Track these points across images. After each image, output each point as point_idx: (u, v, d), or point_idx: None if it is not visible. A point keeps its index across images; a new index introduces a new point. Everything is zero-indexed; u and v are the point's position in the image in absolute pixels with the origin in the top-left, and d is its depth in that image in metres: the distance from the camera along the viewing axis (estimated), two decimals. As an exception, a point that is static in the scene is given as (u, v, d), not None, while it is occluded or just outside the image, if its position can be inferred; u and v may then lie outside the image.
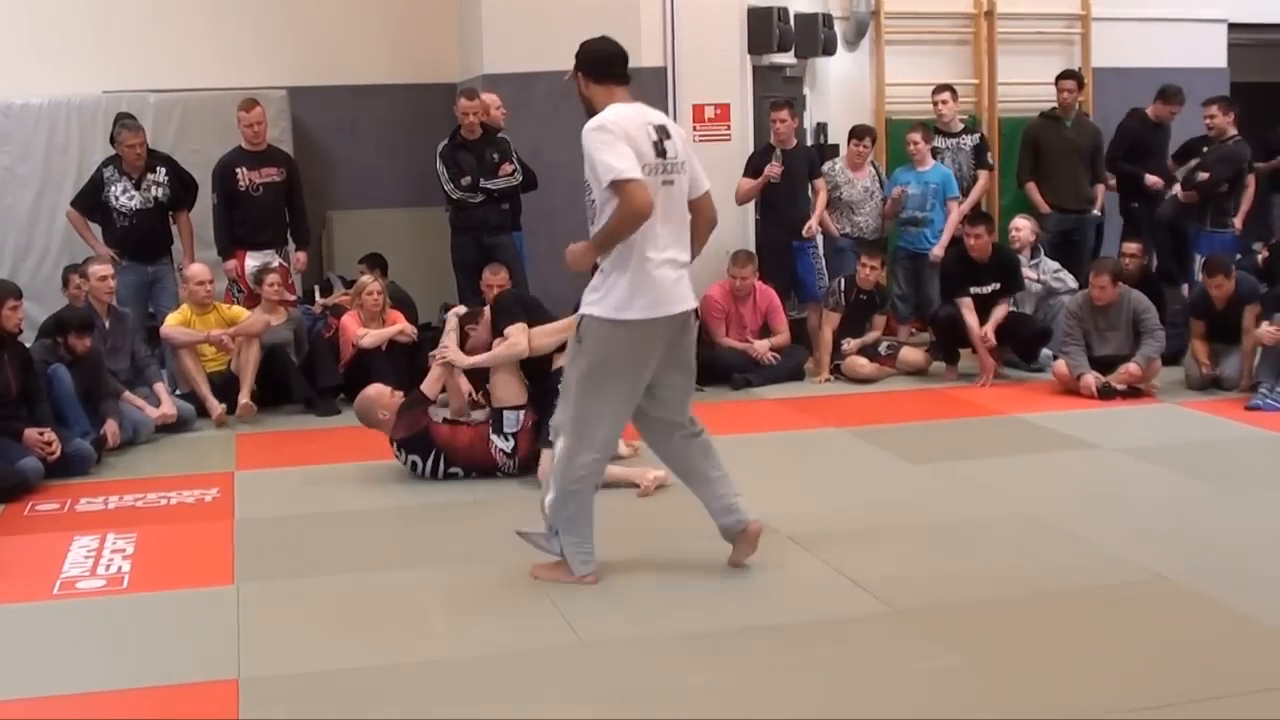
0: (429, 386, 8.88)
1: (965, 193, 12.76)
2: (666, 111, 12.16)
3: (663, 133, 6.44)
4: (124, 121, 11.73)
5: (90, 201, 11.60)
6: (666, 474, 7.87)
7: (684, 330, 6.58)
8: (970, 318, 11.42)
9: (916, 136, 12.52)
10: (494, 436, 8.67)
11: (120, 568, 7.12)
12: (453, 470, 8.67)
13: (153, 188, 11.53)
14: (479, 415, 9.23)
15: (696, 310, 6.70)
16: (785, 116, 12.12)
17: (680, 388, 6.76)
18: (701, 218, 6.69)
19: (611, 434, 6.68)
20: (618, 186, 6.20)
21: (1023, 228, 12.31)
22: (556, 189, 12.33)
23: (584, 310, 6.51)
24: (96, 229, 11.64)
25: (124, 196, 11.45)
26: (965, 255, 11.60)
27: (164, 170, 11.67)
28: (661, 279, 6.39)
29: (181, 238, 11.89)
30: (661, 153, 6.38)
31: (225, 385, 10.77)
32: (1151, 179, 13.06)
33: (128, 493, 8.64)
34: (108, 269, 10.55)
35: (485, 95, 11.91)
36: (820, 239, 12.34)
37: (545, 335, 8.62)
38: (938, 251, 12.19)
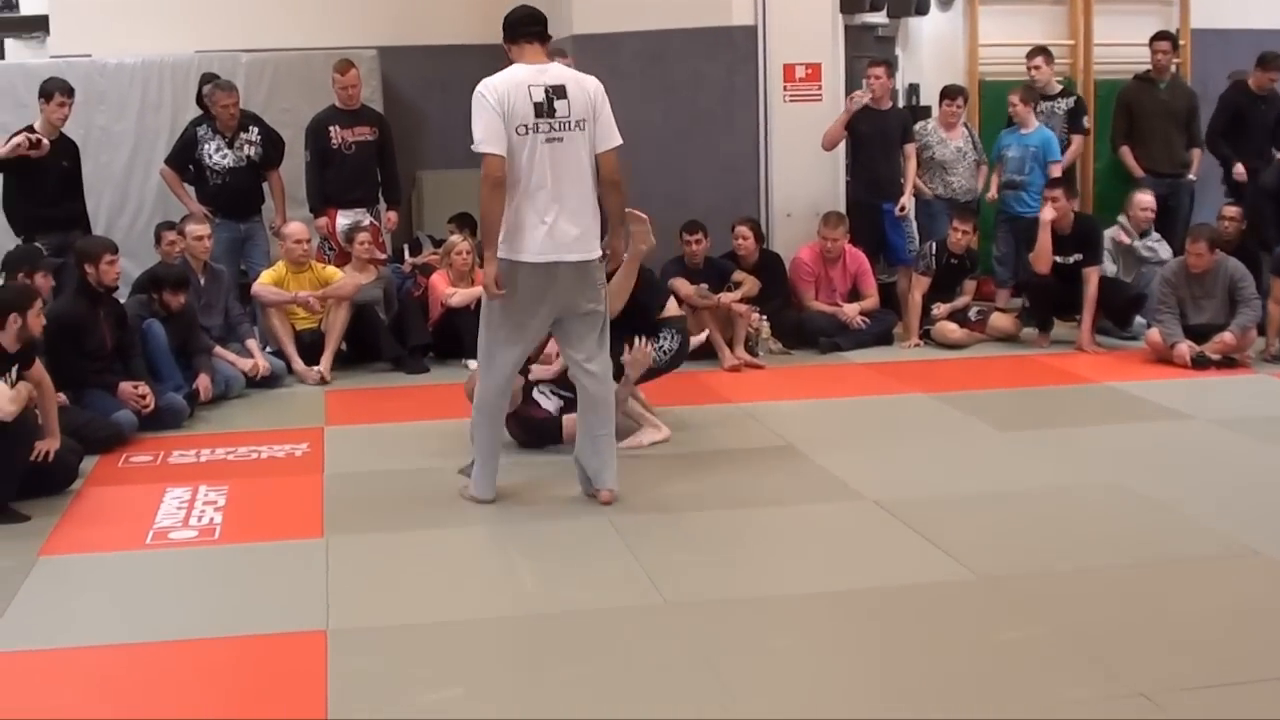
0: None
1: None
2: (756, 71, 12.18)
3: (556, 92, 6.91)
4: (216, 81, 11.80)
5: (183, 160, 11.67)
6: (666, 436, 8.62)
7: (563, 280, 7.03)
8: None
9: (1015, 98, 12.40)
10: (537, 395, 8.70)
11: (212, 519, 7.21)
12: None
13: (246, 146, 11.60)
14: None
15: (600, 267, 7.17)
16: (881, 74, 12.01)
17: (577, 333, 7.23)
18: (600, 174, 7.08)
19: (505, 363, 7.20)
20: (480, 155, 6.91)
21: (1149, 207, 12.00)
22: (644, 149, 12.30)
23: None
24: (189, 187, 11.72)
25: (217, 155, 11.51)
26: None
27: (256, 129, 11.74)
28: (530, 227, 6.91)
29: (274, 196, 11.96)
30: (548, 112, 6.87)
31: (315, 345, 10.83)
32: (1238, 170, 12.82)
33: (219, 446, 8.72)
34: (205, 229, 10.64)
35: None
36: (911, 201, 12.25)
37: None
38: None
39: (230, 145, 11.52)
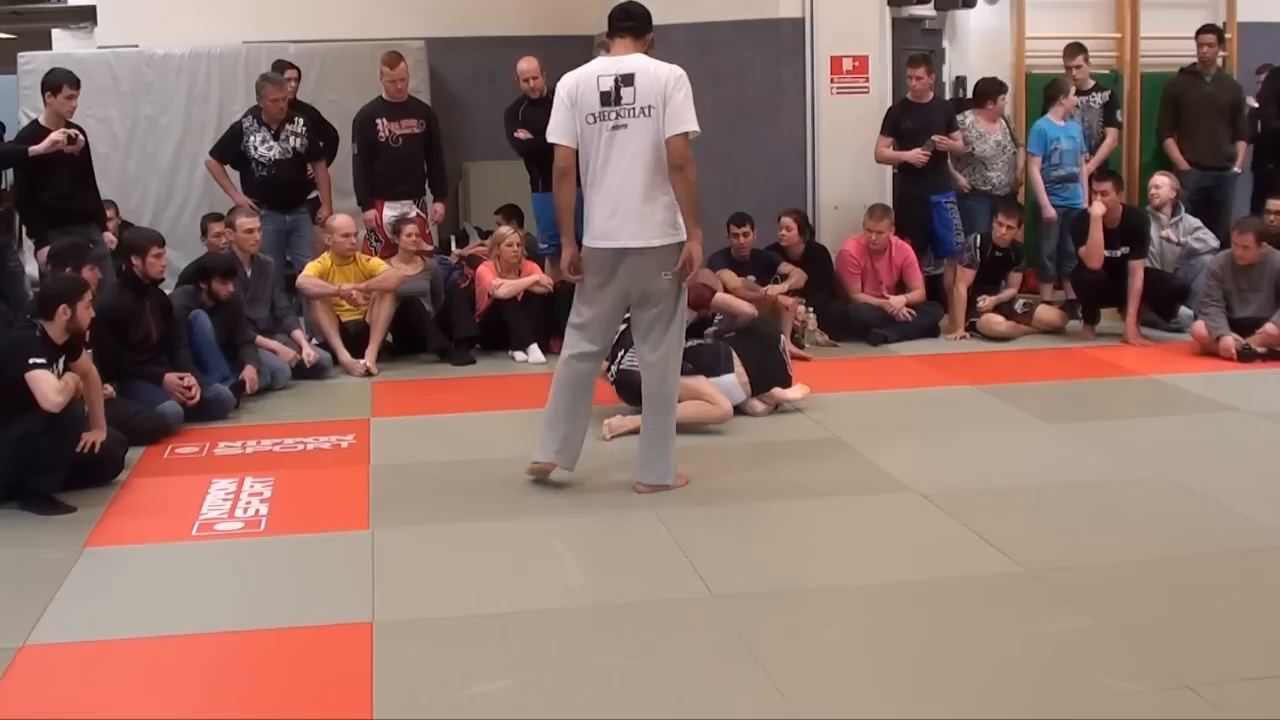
0: None
1: (1095, 151, 12.75)
2: (804, 63, 12.18)
3: (624, 80, 7.08)
4: (266, 74, 11.84)
5: (229, 151, 11.70)
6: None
7: (625, 265, 7.20)
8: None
9: (1071, 90, 12.44)
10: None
11: (258, 510, 7.23)
12: None
13: (291, 138, 11.61)
14: None
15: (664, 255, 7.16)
16: (921, 74, 12.03)
17: (642, 322, 7.33)
18: (668, 159, 7.08)
19: (581, 336, 7.40)
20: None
21: (1162, 185, 12.12)
22: (692, 141, 12.32)
23: None
24: (235, 178, 11.75)
25: (263, 147, 11.53)
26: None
27: (302, 120, 11.76)
28: (596, 213, 7.20)
29: (320, 188, 11.98)
30: (614, 100, 7.08)
31: (361, 337, 10.84)
32: None
33: (265, 437, 8.74)
34: (254, 221, 10.63)
35: (522, 63, 11.84)
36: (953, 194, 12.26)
37: None
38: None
39: (276, 137, 11.54)
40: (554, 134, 7.24)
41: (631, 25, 7.28)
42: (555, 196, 7.39)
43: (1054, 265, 12.48)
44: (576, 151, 7.21)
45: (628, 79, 7.05)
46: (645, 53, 7.24)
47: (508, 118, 11.84)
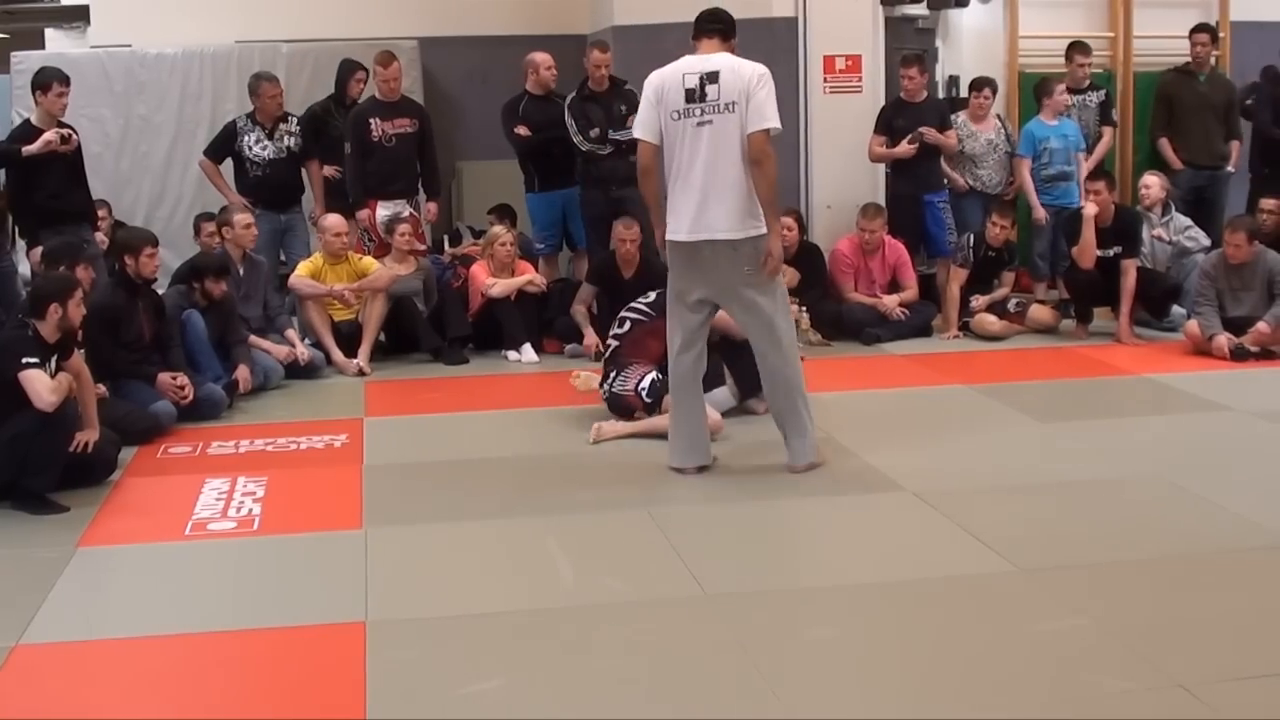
0: None
1: (1091, 150, 12.71)
2: (797, 62, 12.18)
3: (709, 78, 7.28)
4: (259, 72, 11.87)
5: (223, 152, 11.71)
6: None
7: (710, 258, 7.40)
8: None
9: (1064, 88, 12.48)
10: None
11: (251, 510, 7.22)
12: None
13: (285, 137, 11.62)
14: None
15: (744, 247, 7.34)
16: (914, 73, 12.03)
17: (742, 322, 7.65)
18: (748, 154, 7.26)
19: (678, 338, 7.61)
20: None
21: (1152, 185, 12.12)
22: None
23: None
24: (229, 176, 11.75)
25: (257, 146, 11.55)
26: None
27: (295, 119, 11.77)
28: (682, 207, 7.37)
29: (313, 187, 11.97)
30: (699, 97, 7.28)
31: (353, 336, 10.84)
32: None
33: (258, 437, 8.73)
34: (250, 217, 10.63)
35: (538, 55, 11.88)
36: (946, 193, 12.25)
37: None
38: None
39: (270, 136, 11.56)
40: (638, 129, 7.50)
41: (720, 28, 7.54)
42: (642, 193, 7.76)
43: (1047, 265, 12.50)
44: (660, 149, 7.44)
45: (713, 76, 7.26)
46: (730, 54, 7.43)
47: (506, 113, 11.82)
